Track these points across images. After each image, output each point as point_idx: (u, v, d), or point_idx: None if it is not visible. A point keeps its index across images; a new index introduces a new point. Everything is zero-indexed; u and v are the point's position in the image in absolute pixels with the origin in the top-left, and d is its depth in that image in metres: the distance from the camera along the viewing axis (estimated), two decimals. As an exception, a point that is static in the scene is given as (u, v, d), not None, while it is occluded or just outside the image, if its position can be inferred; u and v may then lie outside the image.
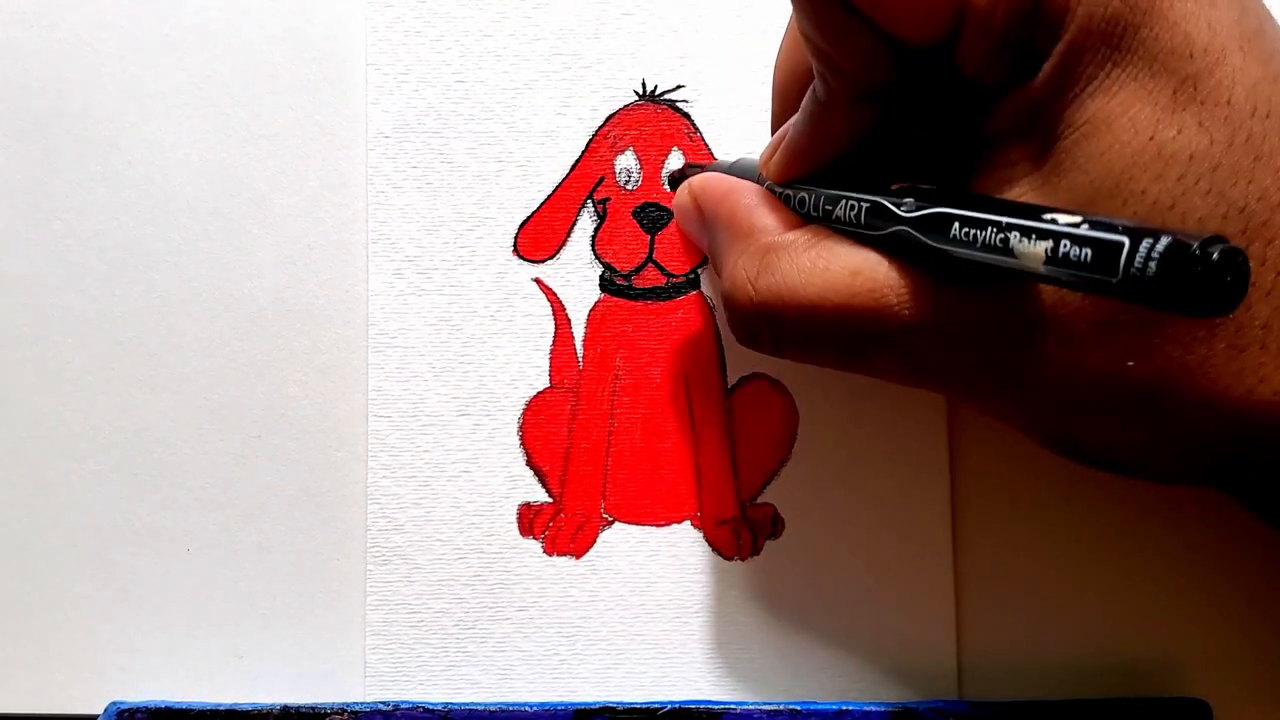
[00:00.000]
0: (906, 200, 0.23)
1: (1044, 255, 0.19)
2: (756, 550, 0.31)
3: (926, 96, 0.24)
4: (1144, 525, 0.31)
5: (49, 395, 0.32)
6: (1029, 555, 0.31)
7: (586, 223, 0.32)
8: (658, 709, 0.30)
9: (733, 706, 0.30)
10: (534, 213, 0.32)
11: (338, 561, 0.32)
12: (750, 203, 0.27)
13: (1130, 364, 0.22)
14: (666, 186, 0.32)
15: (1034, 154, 0.23)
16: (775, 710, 0.29)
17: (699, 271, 0.32)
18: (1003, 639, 0.31)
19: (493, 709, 0.30)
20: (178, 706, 0.30)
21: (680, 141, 0.32)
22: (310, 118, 0.32)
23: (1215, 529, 0.31)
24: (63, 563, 0.32)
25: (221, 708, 0.29)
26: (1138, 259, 0.17)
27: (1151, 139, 0.21)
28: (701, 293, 0.32)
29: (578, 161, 0.32)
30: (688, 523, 0.32)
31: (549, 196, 0.32)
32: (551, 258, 0.32)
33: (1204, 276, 0.17)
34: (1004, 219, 0.20)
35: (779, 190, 0.27)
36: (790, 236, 0.25)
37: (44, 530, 0.32)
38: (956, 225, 0.21)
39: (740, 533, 0.31)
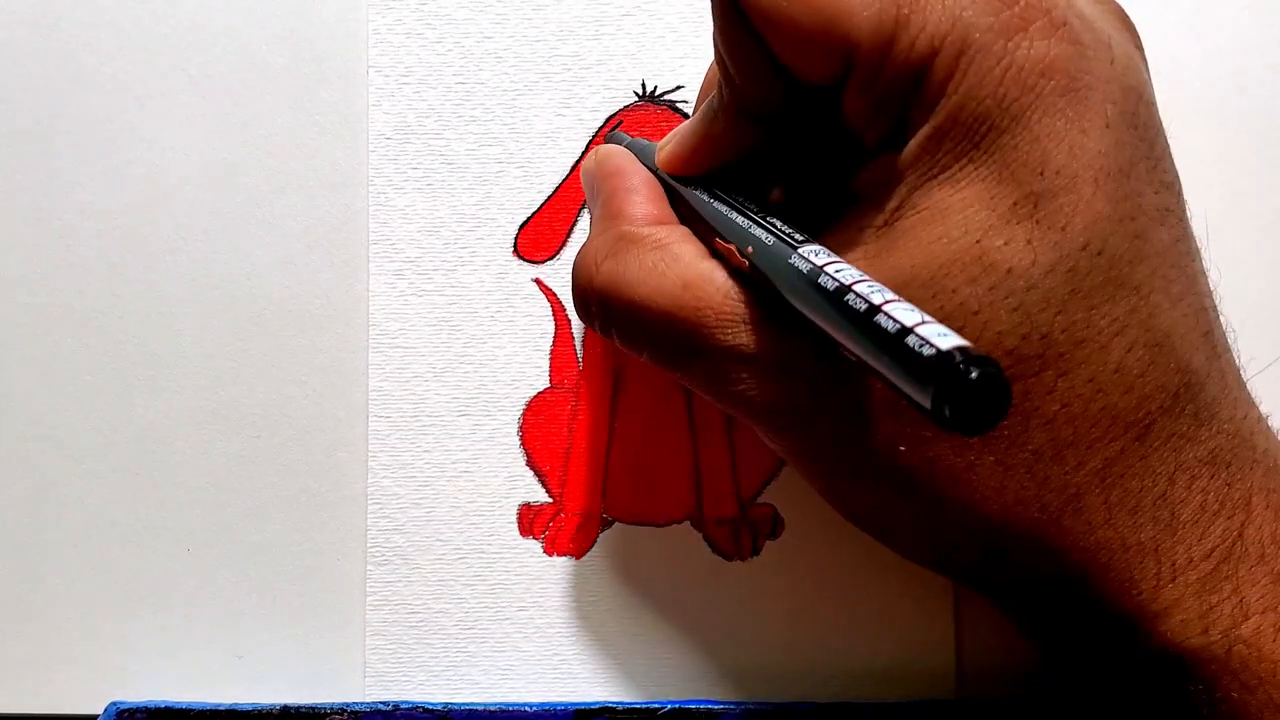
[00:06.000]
0: (772, 222, 0.24)
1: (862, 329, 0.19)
2: (756, 550, 0.31)
3: (810, 136, 0.25)
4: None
5: (49, 395, 0.32)
6: (1028, 555, 0.31)
7: (587, 223, 0.32)
8: (658, 709, 0.30)
9: (733, 706, 0.30)
10: (534, 213, 0.32)
11: (338, 561, 0.32)
12: (629, 186, 0.27)
13: (902, 449, 0.22)
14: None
15: (880, 223, 0.23)
16: (775, 710, 0.30)
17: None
18: (1003, 639, 0.31)
19: (493, 709, 0.30)
20: (178, 706, 0.30)
21: (680, 142, 0.32)
22: (311, 118, 0.32)
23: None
24: (63, 563, 0.31)
25: (221, 708, 0.29)
26: (920, 350, 0.18)
27: (978, 243, 0.21)
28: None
29: (578, 162, 0.32)
30: (687, 523, 0.32)
31: (549, 197, 0.32)
32: (552, 258, 0.32)
33: (966, 391, 0.17)
34: (855, 280, 0.20)
35: (670, 180, 0.27)
36: (647, 231, 0.26)
37: (44, 530, 0.32)
38: (803, 261, 0.22)
39: (740, 533, 0.31)
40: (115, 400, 0.32)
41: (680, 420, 0.32)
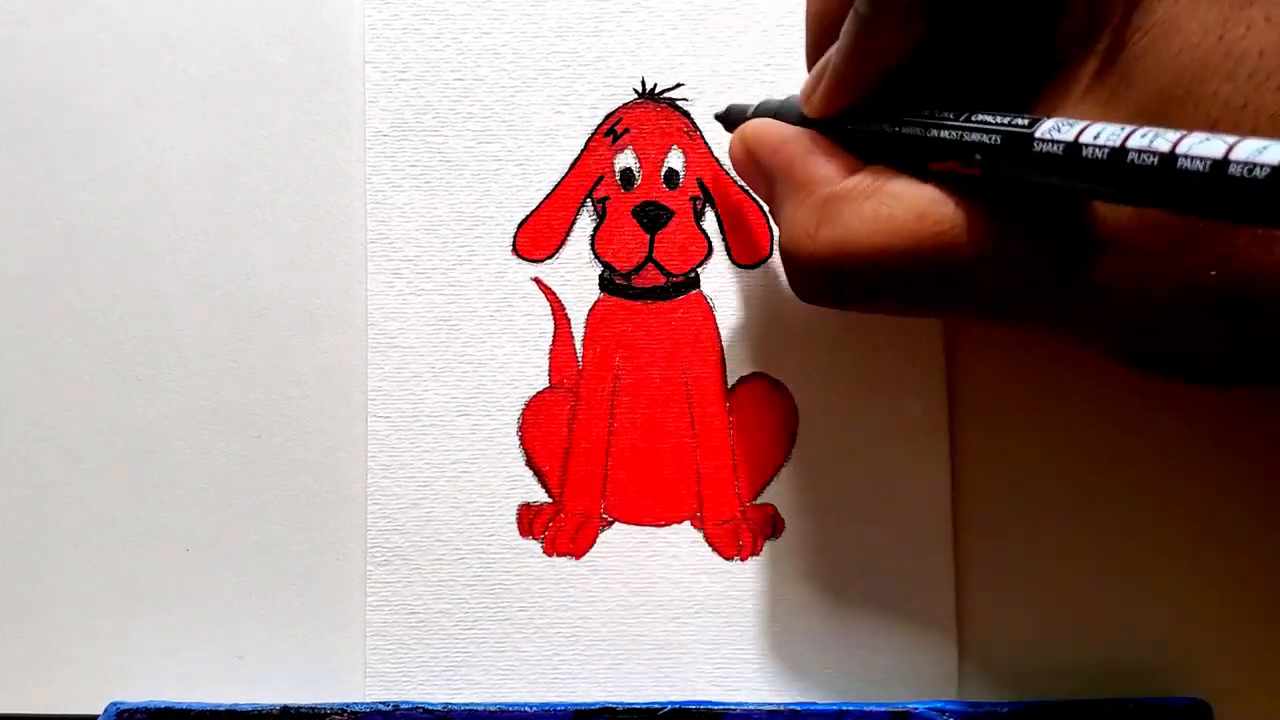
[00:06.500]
0: (979, 116, 0.22)
1: (1155, 164, 0.18)
2: (756, 550, 0.31)
3: (984, 13, 0.23)
4: (1144, 525, 0.31)
5: (49, 395, 0.32)
6: (1029, 555, 0.31)
7: (586, 222, 0.32)
8: (658, 709, 0.29)
9: (733, 707, 0.30)
10: (533, 212, 0.32)
11: (338, 561, 0.32)
12: (804, 150, 0.26)
13: (1213, 273, 0.21)
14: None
15: (1094, 68, 0.22)
16: (775, 710, 0.29)
17: (698, 270, 0.32)
18: (1003, 639, 0.31)
19: (493, 709, 0.30)
20: (178, 706, 0.30)
21: (680, 140, 0.32)
22: (309, 117, 0.32)
23: (1215, 528, 0.31)
24: (63, 563, 0.32)
25: (221, 708, 0.29)
26: (1244, 170, 0.17)
27: (1220, 38, 0.21)
28: (702, 292, 0.32)
29: (577, 160, 0.32)
30: (688, 523, 0.31)
31: (548, 195, 0.32)
32: (551, 257, 0.32)
33: None
34: (1112, 128, 0.19)
35: (827, 127, 0.26)
36: (850, 184, 0.25)
37: (44, 530, 0.32)
38: (1050, 145, 0.20)
39: (740, 533, 0.31)
40: (115, 400, 0.32)
41: (680, 420, 0.32)
